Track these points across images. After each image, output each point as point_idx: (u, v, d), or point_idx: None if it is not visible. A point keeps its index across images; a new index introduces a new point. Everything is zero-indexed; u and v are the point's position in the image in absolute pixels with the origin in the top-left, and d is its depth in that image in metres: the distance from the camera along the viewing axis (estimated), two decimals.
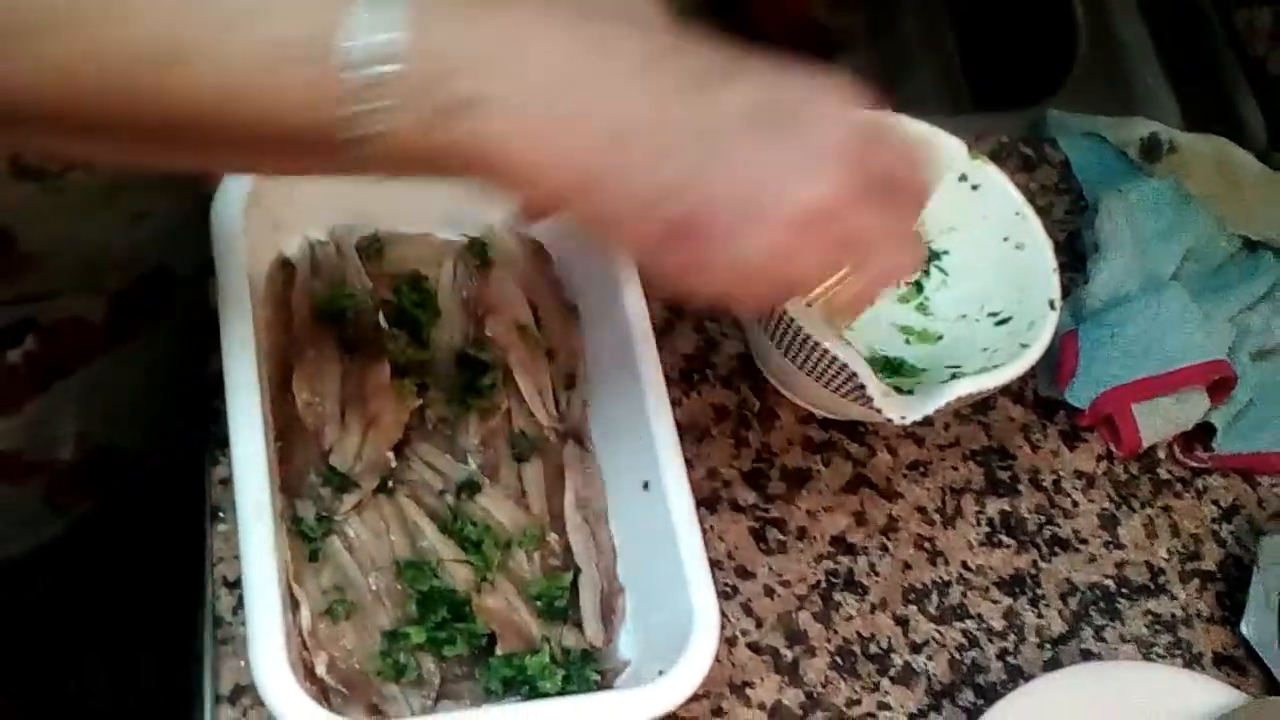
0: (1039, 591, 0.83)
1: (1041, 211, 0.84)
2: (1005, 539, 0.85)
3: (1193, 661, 0.83)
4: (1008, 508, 0.86)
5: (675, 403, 0.81)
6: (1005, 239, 0.84)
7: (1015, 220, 0.83)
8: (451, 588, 0.72)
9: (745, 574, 0.80)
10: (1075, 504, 0.87)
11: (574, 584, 0.74)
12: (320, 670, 0.69)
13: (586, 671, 0.72)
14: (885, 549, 0.83)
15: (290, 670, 0.63)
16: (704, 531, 0.72)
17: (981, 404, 0.88)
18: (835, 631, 0.79)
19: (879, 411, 0.73)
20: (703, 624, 0.68)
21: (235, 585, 0.72)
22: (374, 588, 0.72)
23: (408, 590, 0.72)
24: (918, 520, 0.84)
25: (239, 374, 0.69)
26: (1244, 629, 0.82)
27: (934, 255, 0.86)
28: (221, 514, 0.75)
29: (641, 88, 0.54)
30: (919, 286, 0.86)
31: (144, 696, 1.42)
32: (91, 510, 1.00)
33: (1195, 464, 0.90)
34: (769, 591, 0.80)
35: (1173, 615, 0.84)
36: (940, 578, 0.82)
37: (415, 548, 0.73)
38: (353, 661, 0.70)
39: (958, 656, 0.80)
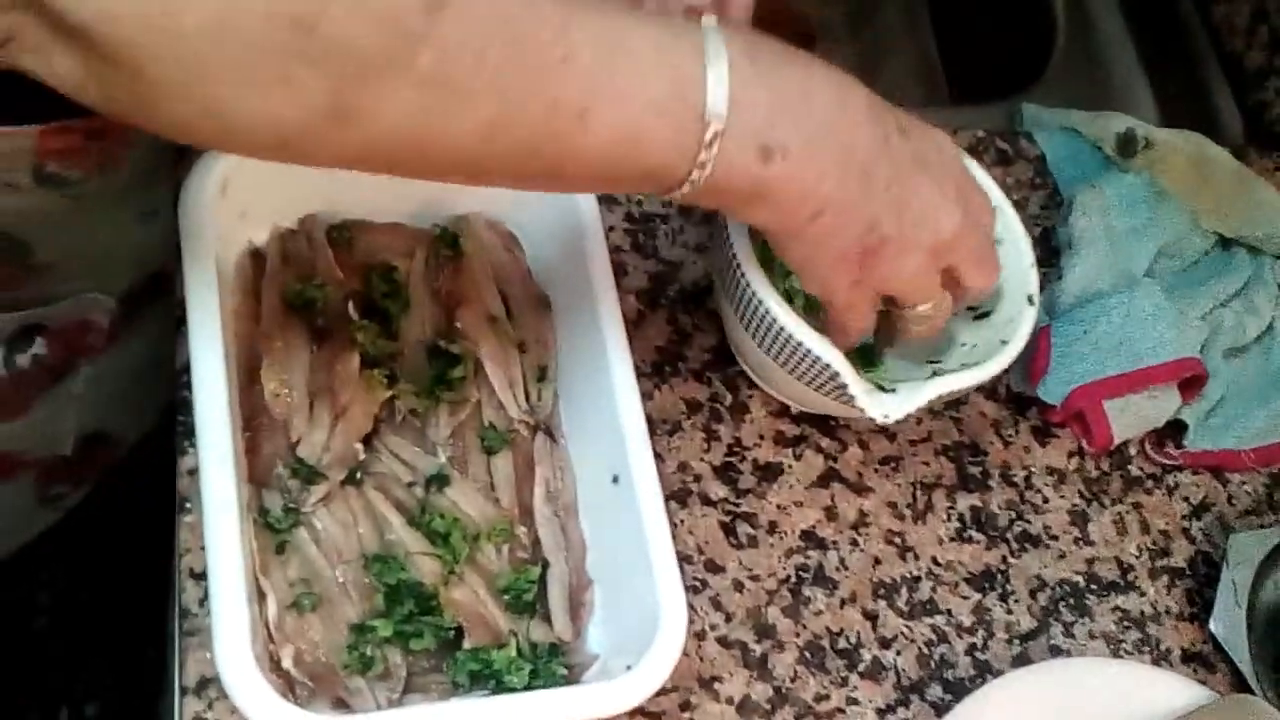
0: (1009, 587, 0.83)
1: (1017, 206, 0.83)
2: (975, 534, 0.85)
3: (1161, 658, 0.83)
4: (978, 503, 0.86)
5: (647, 396, 0.81)
6: None
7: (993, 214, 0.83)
8: (419, 581, 0.72)
9: (715, 568, 0.80)
10: (1046, 500, 0.87)
11: (542, 578, 0.74)
12: (286, 663, 0.69)
13: (554, 665, 0.71)
14: (855, 544, 0.83)
15: (255, 663, 0.63)
16: (674, 525, 0.72)
17: (953, 400, 0.88)
18: (804, 626, 0.79)
19: (862, 411, 0.73)
20: (671, 618, 0.68)
21: (202, 577, 0.72)
22: (341, 580, 0.72)
23: (375, 583, 0.72)
24: (888, 515, 0.84)
25: (205, 364, 0.69)
26: (1213, 626, 0.82)
27: None
28: (189, 505, 0.74)
29: (869, 133, 0.64)
30: None
31: (130, 686, 1.42)
32: (81, 501, 1.00)
33: (1166, 461, 0.90)
34: (738, 586, 0.80)
35: (1142, 612, 0.85)
36: (910, 573, 0.82)
37: (383, 540, 0.73)
38: (319, 654, 0.70)
39: (927, 652, 0.80)
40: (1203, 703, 0.77)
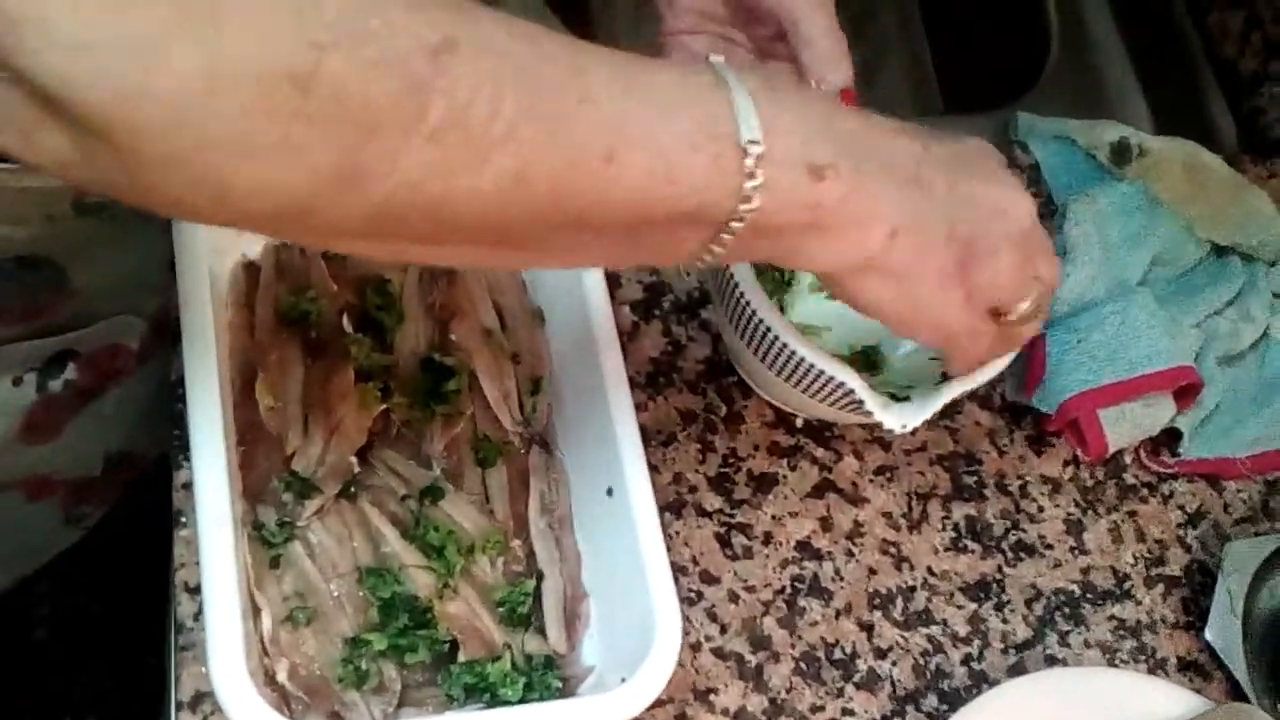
0: (1004, 597, 0.83)
1: None
2: (971, 544, 0.85)
3: (1157, 667, 0.83)
4: (974, 513, 0.86)
5: (641, 407, 0.81)
6: None
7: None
8: (413, 594, 0.72)
9: (710, 579, 0.80)
10: (1041, 509, 0.87)
11: (537, 590, 0.74)
12: (281, 677, 0.69)
13: (549, 678, 0.71)
14: (851, 554, 0.83)
15: (249, 677, 0.63)
16: (669, 537, 0.72)
17: (948, 409, 0.88)
18: (800, 637, 0.79)
19: (880, 424, 0.73)
20: (665, 630, 0.68)
21: (197, 591, 0.72)
22: (335, 594, 0.72)
23: (369, 597, 0.72)
24: (883, 525, 0.84)
25: (199, 378, 0.69)
26: (1208, 635, 0.82)
27: None
28: (184, 519, 0.75)
29: (905, 144, 0.61)
30: None
31: (131, 695, 1.42)
32: (104, 518, 1.00)
33: (1161, 469, 0.90)
34: (734, 597, 0.80)
35: (1137, 621, 0.85)
36: (905, 583, 0.82)
37: (377, 554, 0.73)
38: (314, 668, 0.70)
39: (922, 662, 0.80)
40: (1199, 711, 0.77)
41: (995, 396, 0.90)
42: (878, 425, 0.74)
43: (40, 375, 0.81)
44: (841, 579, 0.82)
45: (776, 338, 0.74)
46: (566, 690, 0.72)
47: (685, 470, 0.83)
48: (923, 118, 1.24)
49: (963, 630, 0.82)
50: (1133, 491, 0.90)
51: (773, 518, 0.83)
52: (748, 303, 0.74)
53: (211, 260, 0.74)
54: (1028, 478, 0.88)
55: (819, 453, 0.85)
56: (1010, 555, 0.85)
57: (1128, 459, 0.91)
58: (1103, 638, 0.83)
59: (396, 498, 0.75)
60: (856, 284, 0.62)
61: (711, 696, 0.76)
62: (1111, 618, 0.84)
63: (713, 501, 0.82)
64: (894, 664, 0.80)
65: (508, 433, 0.78)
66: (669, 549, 0.71)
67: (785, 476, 0.84)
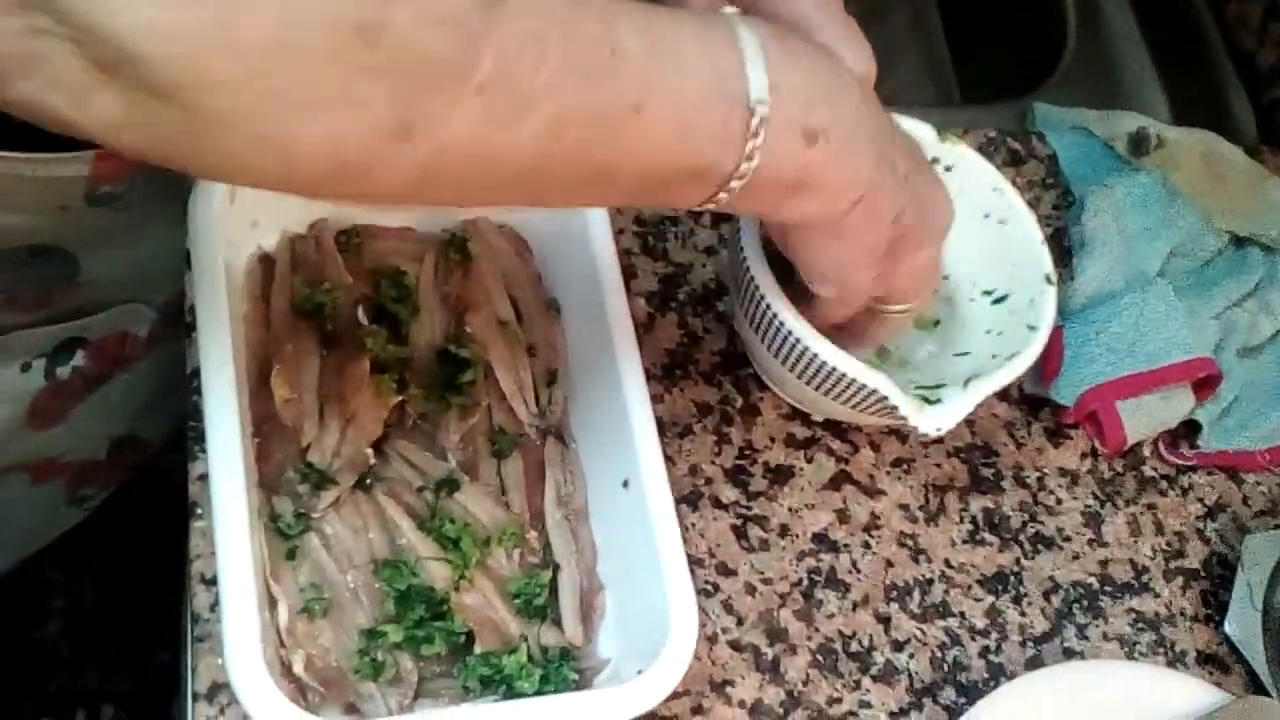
0: (1022, 589, 0.83)
1: (1028, 206, 0.83)
2: (988, 536, 0.84)
3: (1176, 660, 0.83)
4: (991, 505, 0.86)
5: (657, 399, 0.81)
6: (986, 216, 0.83)
7: (994, 196, 0.83)
8: (429, 586, 0.72)
9: (726, 571, 0.80)
10: (1059, 501, 0.87)
11: (553, 582, 0.74)
12: (297, 668, 0.69)
13: (565, 670, 0.71)
14: (867, 546, 0.82)
15: (265, 668, 0.63)
16: (685, 529, 0.71)
17: None
18: (816, 629, 0.79)
19: (915, 429, 0.72)
20: (682, 622, 0.68)
21: (213, 582, 0.72)
22: (351, 585, 0.71)
23: (385, 588, 0.71)
24: (900, 518, 0.84)
25: (215, 371, 0.69)
26: (1228, 628, 0.82)
27: None
28: (200, 510, 0.75)
29: (886, 122, 0.64)
30: None
31: (145, 687, 1.43)
32: (110, 500, 1.00)
33: (1180, 462, 0.90)
34: (750, 589, 0.79)
35: (1156, 614, 0.84)
36: (922, 575, 0.82)
37: (393, 545, 0.73)
38: (330, 660, 0.69)
39: (940, 655, 0.80)
40: (1218, 705, 0.77)
41: (1013, 388, 0.90)
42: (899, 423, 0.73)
43: (49, 362, 0.82)
44: (858, 571, 0.81)
45: (799, 341, 0.73)
46: (582, 682, 0.72)
47: (701, 462, 0.83)
48: (939, 107, 1.24)
49: (980, 623, 0.81)
50: (1151, 484, 0.89)
51: (789, 510, 0.82)
52: (769, 305, 0.73)
53: (226, 253, 0.73)
54: (1045, 470, 0.88)
55: (835, 445, 0.85)
56: (1028, 547, 0.85)
57: (1146, 451, 0.90)
58: (1121, 630, 0.83)
59: (412, 489, 0.75)
60: (809, 237, 0.66)
61: (728, 688, 0.76)
62: (1130, 610, 0.84)
63: (729, 493, 0.82)
64: (911, 656, 0.79)
65: (523, 425, 0.78)
66: (685, 541, 0.70)
67: (802, 469, 0.84)
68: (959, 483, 0.86)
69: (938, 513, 0.84)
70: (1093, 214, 0.93)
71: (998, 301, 0.82)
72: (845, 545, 0.82)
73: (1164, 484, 0.89)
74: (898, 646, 0.80)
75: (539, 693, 0.70)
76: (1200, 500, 0.89)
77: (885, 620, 0.80)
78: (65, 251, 0.76)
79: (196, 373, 0.70)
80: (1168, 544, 0.87)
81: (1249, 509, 0.90)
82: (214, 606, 0.71)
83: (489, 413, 0.78)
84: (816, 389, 0.76)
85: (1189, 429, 0.90)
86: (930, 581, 0.82)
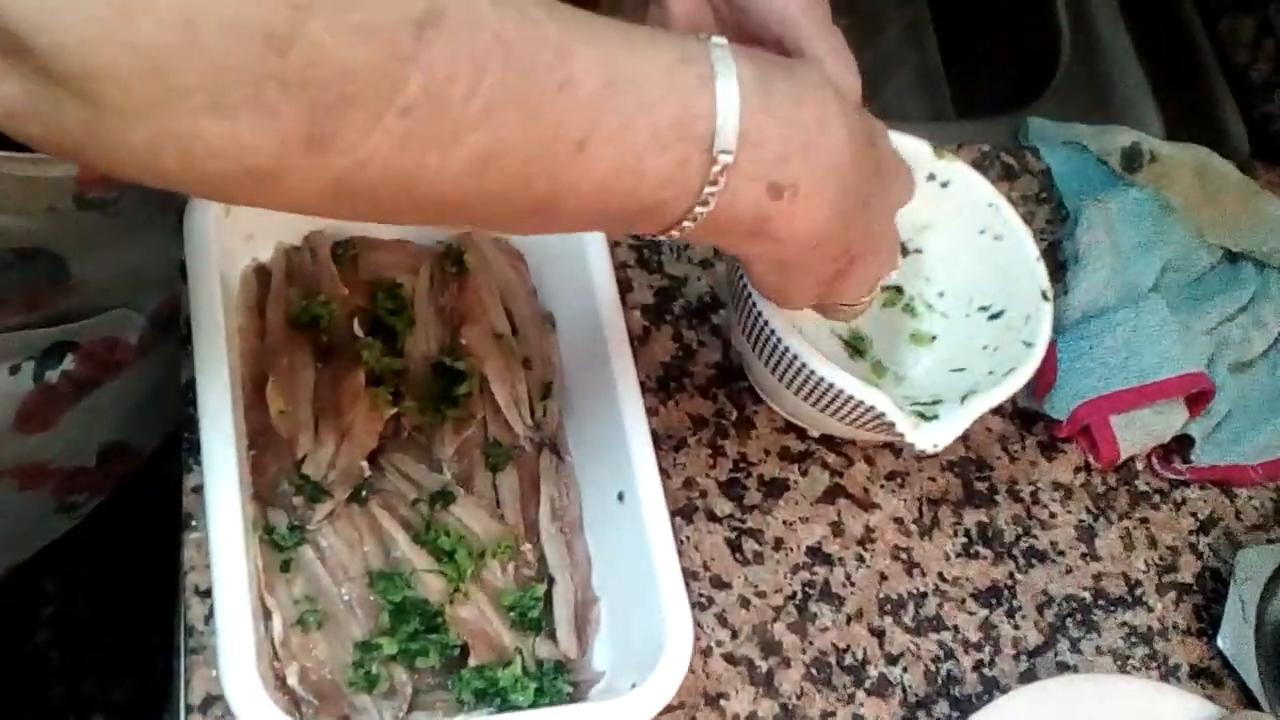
0: (1015, 603, 0.83)
1: (1022, 221, 0.83)
2: (982, 550, 0.85)
3: (1169, 674, 0.83)
4: (985, 519, 0.86)
5: (652, 412, 0.81)
6: (982, 231, 0.83)
7: (989, 212, 0.83)
8: (424, 598, 0.72)
9: (721, 584, 0.80)
10: (1053, 515, 0.87)
11: (548, 595, 0.74)
12: (292, 681, 0.69)
13: (559, 683, 0.71)
14: (862, 560, 0.82)
15: (260, 681, 0.63)
16: (680, 542, 0.71)
17: None
18: (811, 643, 0.79)
19: (912, 445, 0.72)
20: (677, 635, 0.68)
21: (207, 594, 0.71)
22: (346, 598, 0.72)
23: (380, 601, 0.71)
24: (894, 531, 0.84)
25: (211, 382, 0.69)
26: (1220, 642, 0.82)
27: (907, 252, 0.85)
28: (194, 522, 0.74)
29: (864, 157, 0.61)
30: (898, 289, 0.86)
31: (136, 696, 1.43)
32: (101, 508, 1.00)
33: (1173, 476, 0.90)
34: (744, 602, 0.79)
35: (1149, 627, 0.84)
36: (917, 589, 0.82)
37: (388, 558, 0.73)
38: (324, 672, 0.69)
39: (933, 668, 0.80)
40: (1211, 719, 0.77)
41: (1007, 403, 0.89)
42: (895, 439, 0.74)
43: (38, 365, 0.81)
44: (852, 585, 0.82)
45: (796, 357, 0.73)
46: (577, 695, 0.72)
47: (696, 475, 0.83)
48: (934, 122, 1.25)
49: (974, 636, 0.82)
50: (1144, 498, 0.89)
51: (784, 523, 0.82)
52: (766, 321, 0.73)
53: (222, 264, 0.74)
54: (1039, 484, 0.88)
55: (830, 458, 0.85)
56: (1022, 561, 0.85)
57: (1139, 465, 0.90)
58: (1114, 644, 0.83)
59: (407, 502, 0.75)
60: (757, 262, 0.65)
61: (722, 702, 0.76)
62: (1123, 624, 0.84)
63: (724, 506, 0.82)
64: (905, 670, 0.80)
65: (518, 437, 0.78)
66: (680, 554, 0.70)
67: (796, 482, 0.84)
68: (953, 496, 0.86)
69: (932, 526, 0.85)
70: (1086, 229, 0.94)
71: (994, 317, 0.82)
72: (839, 559, 0.82)
73: (1157, 498, 0.90)
74: (891, 660, 0.80)
75: (533, 705, 0.70)
76: (1193, 514, 0.89)
77: (879, 634, 0.80)
78: (53, 254, 0.76)
79: (191, 384, 0.71)
80: (1161, 558, 0.87)
81: (1242, 523, 0.90)
82: (208, 619, 0.71)
83: (484, 425, 0.78)
84: (813, 405, 0.76)
85: (1182, 443, 0.90)
86: (924, 595, 0.82)
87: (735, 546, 0.81)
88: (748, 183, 0.57)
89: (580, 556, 0.75)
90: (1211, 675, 0.83)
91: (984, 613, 0.82)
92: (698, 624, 0.76)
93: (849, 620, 0.80)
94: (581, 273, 0.78)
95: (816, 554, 0.82)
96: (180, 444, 0.76)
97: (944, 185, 0.83)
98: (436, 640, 0.71)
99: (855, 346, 0.85)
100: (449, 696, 0.71)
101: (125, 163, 0.48)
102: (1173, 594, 0.86)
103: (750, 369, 0.84)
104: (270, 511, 0.72)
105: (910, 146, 0.81)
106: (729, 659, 0.78)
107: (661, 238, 0.60)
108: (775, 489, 0.83)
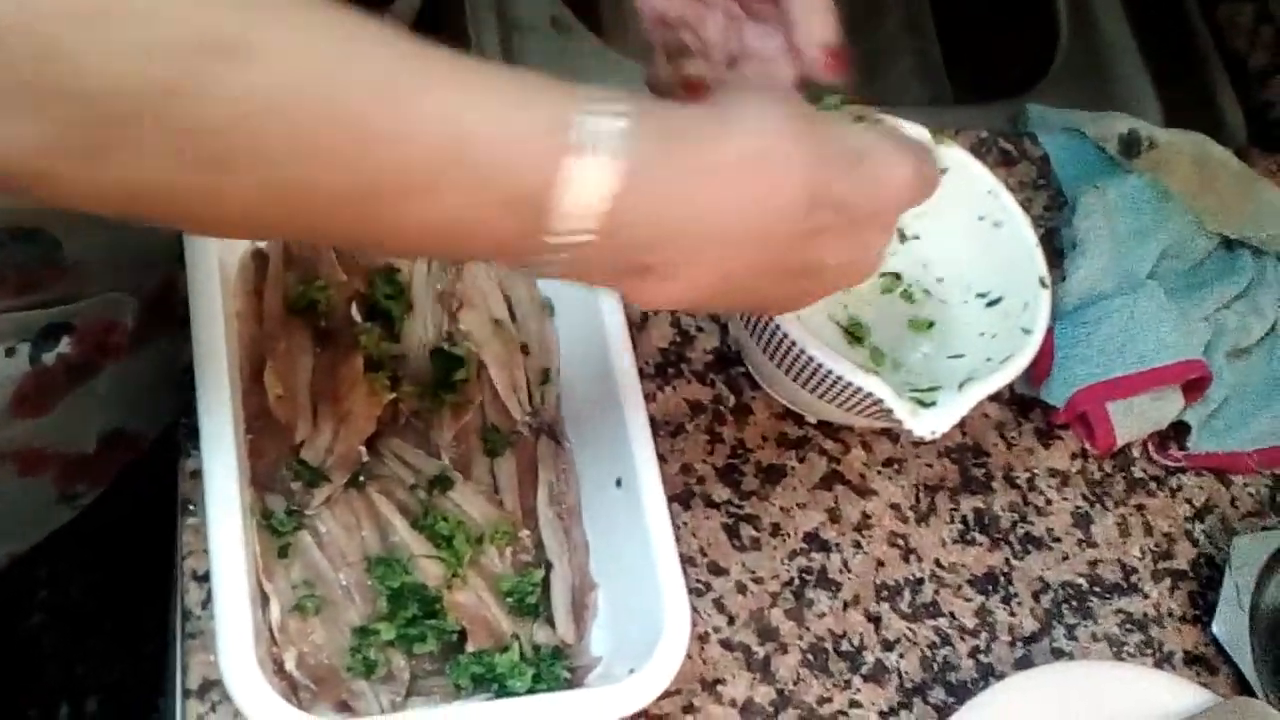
0: (1011, 590, 0.83)
1: (1020, 207, 0.83)
2: (979, 537, 0.85)
3: (1164, 661, 0.83)
4: (981, 505, 0.86)
5: (650, 398, 0.81)
6: (981, 218, 0.83)
7: (988, 198, 0.83)
8: (422, 584, 0.72)
9: (718, 570, 0.80)
10: (1049, 502, 0.87)
11: (546, 580, 0.74)
12: (289, 666, 0.69)
13: (557, 668, 0.71)
14: (858, 546, 0.83)
15: (257, 666, 0.63)
16: (677, 528, 0.71)
17: None
18: (807, 629, 0.79)
19: (910, 432, 0.72)
20: (674, 621, 0.68)
21: (205, 579, 0.72)
22: (344, 583, 0.72)
23: (378, 586, 0.71)
24: (891, 517, 0.84)
25: (209, 367, 0.69)
26: (1215, 629, 0.82)
27: (904, 238, 0.85)
28: (192, 507, 0.75)
29: (791, 222, 0.56)
30: (897, 275, 0.86)
31: (130, 681, 1.43)
32: (99, 496, 1.00)
33: (1169, 463, 0.90)
34: (741, 588, 0.80)
35: (1144, 614, 0.85)
36: (913, 575, 0.82)
37: (386, 543, 0.73)
38: (322, 657, 0.70)
39: (929, 654, 0.80)
40: (1205, 705, 0.77)
41: (1004, 389, 0.90)
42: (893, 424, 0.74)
43: (34, 347, 0.81)
44: (849, 571, 0.82)
45: (795, 344, 0.73)
46: (575, 681, 0.72)
47: (693, 461, 0.83)
48: (932, 108, 1.24)
49: (970, 623, 0.82)
50: (1141, 485, 0.90)
51: (781, 509, 0.83)
52: (775, 323, 0.73)
53: (220, 249, 0.73)
54: (1036, 470, 0.88)
55: (827, 445, 0.85)
56: (1018, 548, 0.85)
57: (1136, 452, 0.91)
58: (1110, 631, 0.83)
59: (405, 487, 0.75)
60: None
61: (719, 687, 0.76)
62: (1119, 611, 0.84)
63: (721, 493, 0.82)
64: (901, 656, 0.80)
65: (516, 423, 0.78)
66: (677, 540, 0.70)
67: (793, 468, 0.84)
68: (950, 483, 0.86)
69: (928, 513, 0.85)
70: (1084, 215, 0.94)
71: (992, 304, 0.82)
72: (836, 545, 0.82)
73: (1153, 485, 0.90)
74: (888, 646, 0.80)
75: (531, 691, 0.70)
76: (1189, 501, 0.90)
77: (876, 620, 0.81)
78: (47, 235, 0.76)
79: (189, 369, 0.70)
80: (1156, 545, 0.87)
81: (1237, 510, 0.90)
82: (206, 603, 0.71)
83: (482, 411, 0.78)
84: (811, 391, 0.76)
85: (1178, 430, 0.90)
86: (920, 581, 0.82)
87: (733, 532, 0.81)
88: (610, 259, 0.54)
89: (578, 542, 0.75)
90: (1206, 662, 0.84)
91: (980, 599, 0.83)
92: (695, 610, 0.76)
93: (846, 606, 0.80)
94: None
95: (814, 540, 0.82)
96: (179, 433, 0.76)
97: (943, 172, 0.83)
98: (434, 626, 0.71)
99: (853, 333, 0.84)
100: (446, 682, 0.71)
101: None
102: (1168, 581, 0.86)
103: (748, 355, 0.84)
104: (268, 496, 0.72)
105: (908, 132, 0.81)
106: (726, 645, 0.78)
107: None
108: (773, 475, 0.84)
